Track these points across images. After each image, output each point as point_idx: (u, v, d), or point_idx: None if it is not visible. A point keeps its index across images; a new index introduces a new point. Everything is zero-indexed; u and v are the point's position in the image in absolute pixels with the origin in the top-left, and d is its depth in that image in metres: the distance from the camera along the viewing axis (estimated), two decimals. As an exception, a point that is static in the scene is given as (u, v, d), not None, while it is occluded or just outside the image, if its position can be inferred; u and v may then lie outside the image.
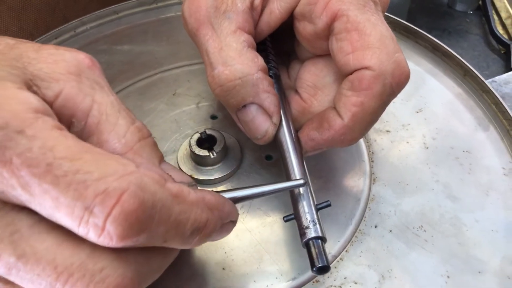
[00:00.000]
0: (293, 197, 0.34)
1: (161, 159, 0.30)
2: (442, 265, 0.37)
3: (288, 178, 0.35)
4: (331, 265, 0.37)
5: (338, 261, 0.37)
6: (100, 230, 0.23)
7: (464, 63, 0.50)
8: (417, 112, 0.47)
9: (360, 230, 0.39)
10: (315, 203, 0.34)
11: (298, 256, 0.37)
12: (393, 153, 0.44)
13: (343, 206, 0.40)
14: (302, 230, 0.33)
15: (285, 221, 0.34)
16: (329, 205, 0.34)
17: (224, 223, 0.30)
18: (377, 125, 0.46)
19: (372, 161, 0.43)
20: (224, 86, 0.34)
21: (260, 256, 0.37)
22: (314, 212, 0.33)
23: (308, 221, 0.32)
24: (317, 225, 0.32)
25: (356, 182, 0.41)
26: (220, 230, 0.30)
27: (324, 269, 0.31)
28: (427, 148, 0.44)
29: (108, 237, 0.23)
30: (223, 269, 0.36)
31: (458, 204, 0.40)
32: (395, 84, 0.33)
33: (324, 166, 0.43)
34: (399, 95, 0.48)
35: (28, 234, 0.24)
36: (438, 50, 0.52)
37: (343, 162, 0.43)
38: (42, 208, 0.23)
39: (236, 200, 0.32)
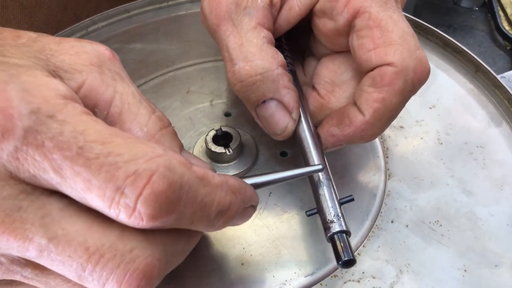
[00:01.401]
0: (315, 192, 0.35)
1: (181, 147, 0.31)
2: (458, 259, 0.37)
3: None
4: (348, 260, 0.37)
5: (356, 256, 0.37)
6: (131, 210, 0.23)
7: (476, 59, 0.50)
8: (430, 108, 0.47)
9: (376, 225, 0.39)
10: (338, 198, 0.34)
11: (316, 250, 0.37)
12: (407, 148, 0.44)
13: (359, 202, 0.40)
14: (326, 225, 0.33)
15: (308, 215, 0.34)
16: (352, 200, 0.34)
17: (245, 207, 0.30)
18: (390, 121, 0.46)
19: (387, 157, 0.43)
20: (245, 81, 0.35)
21: (278, 251, 0.37)
22: (338, 206, 0.33)
23: (332, 215, 0.33)
24: (342, 219, 0.33)
25: (371, 177, 0.42)
26: (241, 214, 0.30)
27: (350, 263, 0.31)
28: (441, 143, 0.45)
29: (139, 217, 0.24)
30: (242, 264, 0.37)
31: (473, 198, 0.41)
32: (416, 80, 0.34)
33: (339, 162, 0.43)
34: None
35: (59, 217, 0.24)
36: (449, 46, 0.53)
37: (358, 158, 0.43)
38: (74, 190, 0.24)
39: (256, 185, 0.32)
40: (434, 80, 0.50)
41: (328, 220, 0.33)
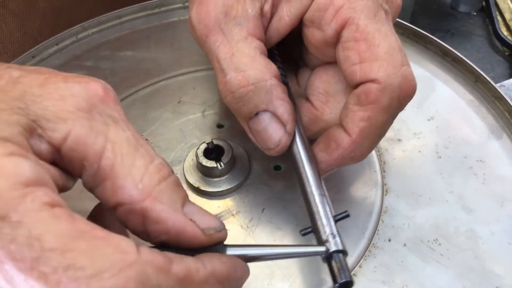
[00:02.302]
0: (309, 209, 0.33)
1: (185, 199, 0.27)
2: (458, 280, 0.36)
3: (302, 190, 0.34)
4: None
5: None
6: None
7: (475, 69, 0.49)
8: (429, 120, 0.46)
9: (373, 244, 0.38)
10: (333, 214, 0.32)
11: (311, 271, 0.36)
12: (405, 162, 0.43)
13: (355, 219, 0.39)
14: (321, 244, 0.31)
15: (302, 235, 0.33)
16: (347, 216, 0.33)
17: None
18: (388, 134, 0.44)
19: (384, 171, 0.42)
20: (237, 92, 0.33)
21: (271, 272, 0.36)
22: (333, 224, 0.32)
23: (326, 234, 0.31)
24: (337, 238, 0.31)
25: (367, 193, 0.40)
26: None
27: (347, 285, 0.30)
28: (440, 157, 0.43)
29: None
30: (233, 285, 0.35)
31: (473, 215, 0.39)
32: (402, 97, 0.32)
33: (334, 177, 0.41)
34: (410, 102, 0.47)
35: None
36: (448, 56, 0.51)
37: (353, 172, 0.42)
38: None
39: (248, 259, 0.30)
40: (433, 90, 0.49)
41: (323, 239, 0.31)
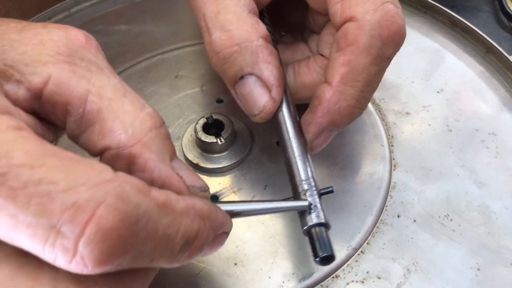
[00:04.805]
0: (292, 181, 0.31)
1: (173, 154, 0.26)
2: (471, 256, 0.34)
3: (286, 159, 0.32)
4: (351, 259, 0.34)
5: (359, 254, 0.34)
6: (71, 254, 0.19)
7: (486, 39, 0.47)
8: (438, 92, 0.44)
9: (381, 220, 0.36)
10: (318, 188, 0.31)
11: (316, 249, 0.34)
12: (414, 136, 0.41)
13: (362, 195, 0.37)
14: (302, 217, 0.30)
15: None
16: (331, 191, 0.31)
17: (216, 234, 0.26)
18: (396, 107, 0.43)
19: (392, 146, 0.40)
20: (221, 53, 0.31)
21: (274, 250, 0.34)
22: (316, 196, 0.30)
23: (308, 206, 0.29)
24: (319, 211, 0.29)
25: (375, 168, 0.38)
26: (211, 243, 0.26)
27: (328, 259, 0.28)
28: (450, 130, 0.41)
29: (82, 263, 0.19)
30: (235, 264, 0.34)
31: (486, 190, 0.37)
32: (384, 36, 0.29)
33: (340, 152, 0.40)
34: (418, 74, 0.45)
35: None
36: (457, 26, 0.49)
37: (360, 146, 0.40)
38: None
39: (231, 214, 0.28)
40: (442, 62, 0.47)
41: (305, 212, 0.30)
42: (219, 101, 0.44)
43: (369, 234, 0.35)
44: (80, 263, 0.19)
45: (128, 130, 0.24)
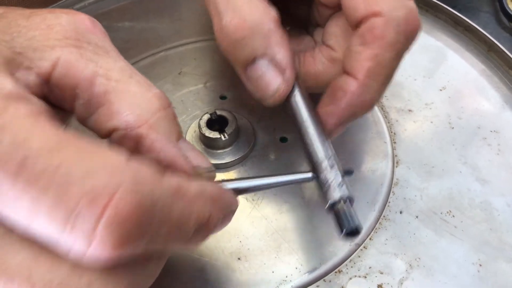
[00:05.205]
0: (313, 160, 0.31)
1: (179, 135, 0.26)
2: (473, 252, 0.34)
3: (304, 141, 0.32)
4: (353, 254, 0.34)
5: (361, 250, 0.34)
6: (89, 238, 0.19)
7: (488, 38, 0.47)
8: (440, 90, 0.44)
9: (384, 216, 0.36)
10: (340, 165, 0.31)
11: (319, 244, 0.34)
12: (416, 133, 0.41)
13: (365, 191, 0.37)
14: (327, 192, 0.29)
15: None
16: (351, 172, 0.31)
17: (225, 215, 0.26)
18: (398, 104, 0.43)
19: (395, 143, 0.40)
20: (232, 37, 0.31)
21: (277, 245, 0.34)
22: (338, 172, 0.30)
23: (332, 182, 0.29)
24: (343, 185, 0.29)
25: (378, 165, 0.39)
26: (220, 223, 0.26)
27: (355, 231, 0.28)
28: (453, 128, 0.41)
29: (101, 247, 0.19)
30: (239, 259, 0.34)
31: (488, 187, 0.38)
32: (408, 31, 0.30)
33: (343, 148, 0.40)
34: (420, 72, 0.46)
35: None
36: (459, 25, 0.49)
37: (363, 143, 0.40)
38: (17, 214, 0.19)
39: (237, 191, 0.28)
40: (444, 60, 0.47)
41: (328, 187, 0.29)
42: (223, 97, 0.44)
43: (372, 230, 0.35)
44: (99, 246, 0.19)
45: (135, 111, 0.24)
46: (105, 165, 0.20)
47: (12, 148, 0.19)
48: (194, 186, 0.23)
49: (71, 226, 0.19)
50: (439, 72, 0.46)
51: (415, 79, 0.45)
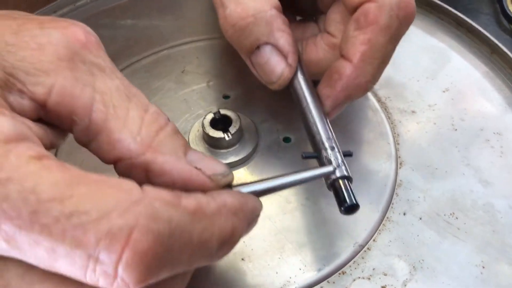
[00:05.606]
0: (314, 141, 0.32)
1: (186, 147, 0.25)
2: (476, 254, 0.34)
3: (306, 123, 0.33)
4: (357, 255, 0.34)
5: (365, 251, 0.34)
6: (112, 278, 0.19)
7: (491, 40, 0.47)
8: (443, 91, 0.44)
9: (387, 217, 0.36)
10: (339, 147, 0.32)
11: (323, 245, 0.34)
12: (419, 135, 0.41)
13: (368, 192, 0.37)
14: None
15: (304, 157, 0.33)
16: (350, 155, 0.33)
17: (250, 221, 0.26)
18: (401, 105, 0.43)
19: (398, 144, 0.40)
20: (237, 25, 0.32)
21: (281, 246, 0.34)
22: (337, 152, 0.31)
23: (332, 162, 0.31)
24: (342, 166, 0.31)
25: (381, 166, 0.39)
26: (246, 230, 0.26)
27: (353, 208, 0.29)
28: (456, 129, 0.41)
29: (123, 284, 0.19)
30: (242, 259, 0.34)
31: (491, 189, 0.38)
32: (401, 16, 0.31)
33: (345, 148, 0.40)
34: (423, 74, 0.46)
35: (18, 286, 0.20)
36: (462, 26, 0.49)
37: (366, 144, 0.40)
38: (38, 260, 0.19)
39: (258, 193, 0.28)
40: (447, 62, 0.47)
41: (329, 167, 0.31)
42: (226, 96, 0.44)
43: (375, 231, 0.35)
44: (121, 284, 0.19)
45: (136, 138, 0.23)
46: (118, 203, 0.19)
47: (22, 199, 0.19)
48: (213, 203, 0.23)
49: (92, 269, 0.19)
50: (442, 74, 0.46)
51: (418, 80, 0.45)
